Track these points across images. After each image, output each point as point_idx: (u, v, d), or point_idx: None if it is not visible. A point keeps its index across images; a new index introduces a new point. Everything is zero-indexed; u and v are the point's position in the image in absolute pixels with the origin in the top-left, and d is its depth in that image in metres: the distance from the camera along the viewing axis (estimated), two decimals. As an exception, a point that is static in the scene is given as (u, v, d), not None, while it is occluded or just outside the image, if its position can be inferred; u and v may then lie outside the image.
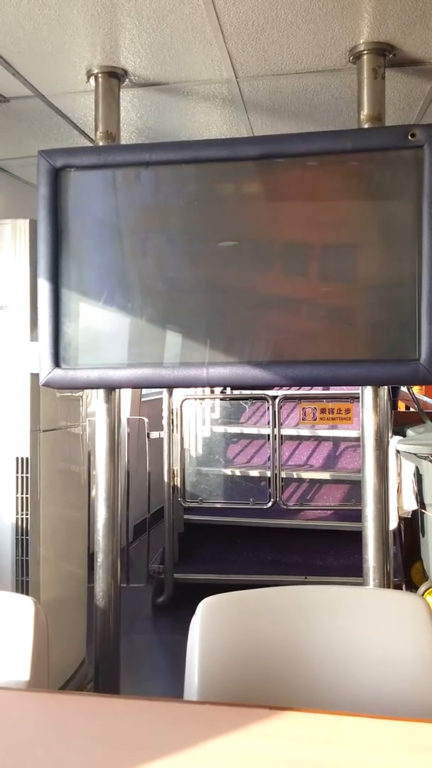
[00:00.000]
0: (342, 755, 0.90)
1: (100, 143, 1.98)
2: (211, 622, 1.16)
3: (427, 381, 1.74)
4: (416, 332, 1.71)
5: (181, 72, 1.96)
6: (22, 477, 2.18)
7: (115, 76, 1.97)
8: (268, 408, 3.69)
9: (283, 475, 3.72)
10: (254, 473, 3.87)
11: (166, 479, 3.68)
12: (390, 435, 3.16)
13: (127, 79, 2.00)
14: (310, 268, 1.82)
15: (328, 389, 3.61)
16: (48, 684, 1.21)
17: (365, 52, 1.83)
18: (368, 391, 1.87)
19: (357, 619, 1.20)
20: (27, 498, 2.18)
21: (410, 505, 3.09)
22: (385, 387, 1.94)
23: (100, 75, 1.95)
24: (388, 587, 1.93)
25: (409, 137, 1.70)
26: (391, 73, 1.94)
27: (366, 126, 1.85)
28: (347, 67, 1.93)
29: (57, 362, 1.88)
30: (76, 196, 1.88)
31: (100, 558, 1.97)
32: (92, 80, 1.98)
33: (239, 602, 1.20)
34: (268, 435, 3.72)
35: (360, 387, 1.92)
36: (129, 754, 0.89)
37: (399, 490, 3.09)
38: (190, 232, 1.87)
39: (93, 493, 2.03)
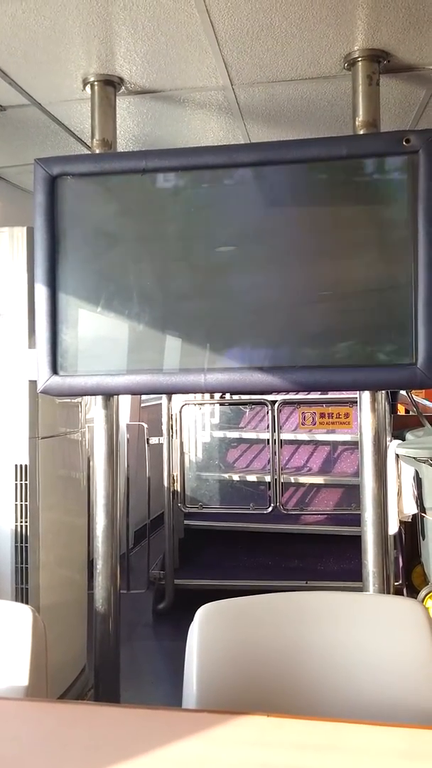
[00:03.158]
0: (341, 762, 0.90)
1: (97, 151, 1.98)
2: (209, 629, 1.16)
3: (424, 385, 1.75)
4: (413, 337, 1.72)
5: (177, 80, 1.97)
6: (21, 484, 2.18)
7: (111, 84, 1.98)
8: (268, 413, 3.69)
9: (283, 479, 3.72)
10: (254, 478, 3.87)
11: (165, 485, 3.68)
12: (389, 439, 3.16)
13: (123, 87, 2.01)
14: (307, 273, 1.83)
15: (327, 394, 3.61)
16: (47, 693, 1.21)
17: (360, 58, 1.84)
18: (366, 395, 1.87)
19: (356, 626, 1.20)
20: (26, 505, 2.18)
21: (410, 508, 3.08)
22: (383, 391, 1.94)
23: (96, 83, 1.96)
24: (389, 592, 1.93)
25: (404, 143, 1.71)
26: (385, 80, 1.95)
27: (361, 132, 1.85)
28: (342, 73, 1.94)
29: (55, 369, 1.89)
30: (73, 204, 1.89)
31: (99, 564, 1.97)
32: (88, 88, 1.99)
33: (237, 609, 1.20)
34: (268, 439, 3.72)
35: (358, 391, 1.92)
36: (127, 764, 0.89)
37: (399, 494, 3.09)
38: (187, 238, 1.87)
39: (92, 499, 2.03)
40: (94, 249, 1.90)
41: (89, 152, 2.16)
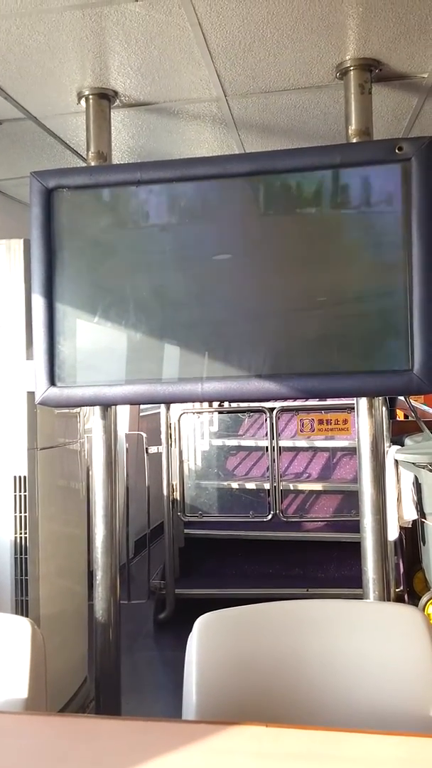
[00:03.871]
0: (341, 772, 0.89)
1: (92, 163, 2.00)
2: (208, 639, 1.16)
3: (421, 391, 1.75)
4: (409, 343, 1.72)
5: (171, 92, 1.99)
6: (20, 495, 2.18)
7: (105, 97, 1.99)
8: (266, 420, 3.69)
9: (282, 487, 3.71)
10: (253, 486, 3.86)
11: (165, 494, 3.68)
12: (388, 444, 3.16)
13: (117, 100, 2.03)
14: (303, 280, 1.84)
15: (325, 400, 3.61)
16: (46, 706, 1.21)
17: (351, 68, 1.86)
18: (363, 401, 1.88)
19: (355, 634, 1.20)
20: (25, 516, 2.18)
21: (410, 514, 3.08)
22: (380, 397, 1.94)
23: (90, 96, 1.98)
24: (389, 599, 1.92)
25: (397, 150, 1.72)
26: (377, 88, 1.97)
27: (354, 140, 1.87)
28: (334, 83, 1.95)
29: (52, 380, 1.89)
30: (69, 216, 1.90)
31: (99, 575, 1.97)
32: (83, 102, 2.01)
33: (236, 618, 1.20)
34: (267, 447, 3.71)
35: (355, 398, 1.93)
36: (126, 776, 0.88)
37: (399, 500, 3.09)
38: (183, 247, 1.88)
39: (91, 509, 2.03)
40: (91, 260, 1.91)
41: (85, 165, 2.18)
